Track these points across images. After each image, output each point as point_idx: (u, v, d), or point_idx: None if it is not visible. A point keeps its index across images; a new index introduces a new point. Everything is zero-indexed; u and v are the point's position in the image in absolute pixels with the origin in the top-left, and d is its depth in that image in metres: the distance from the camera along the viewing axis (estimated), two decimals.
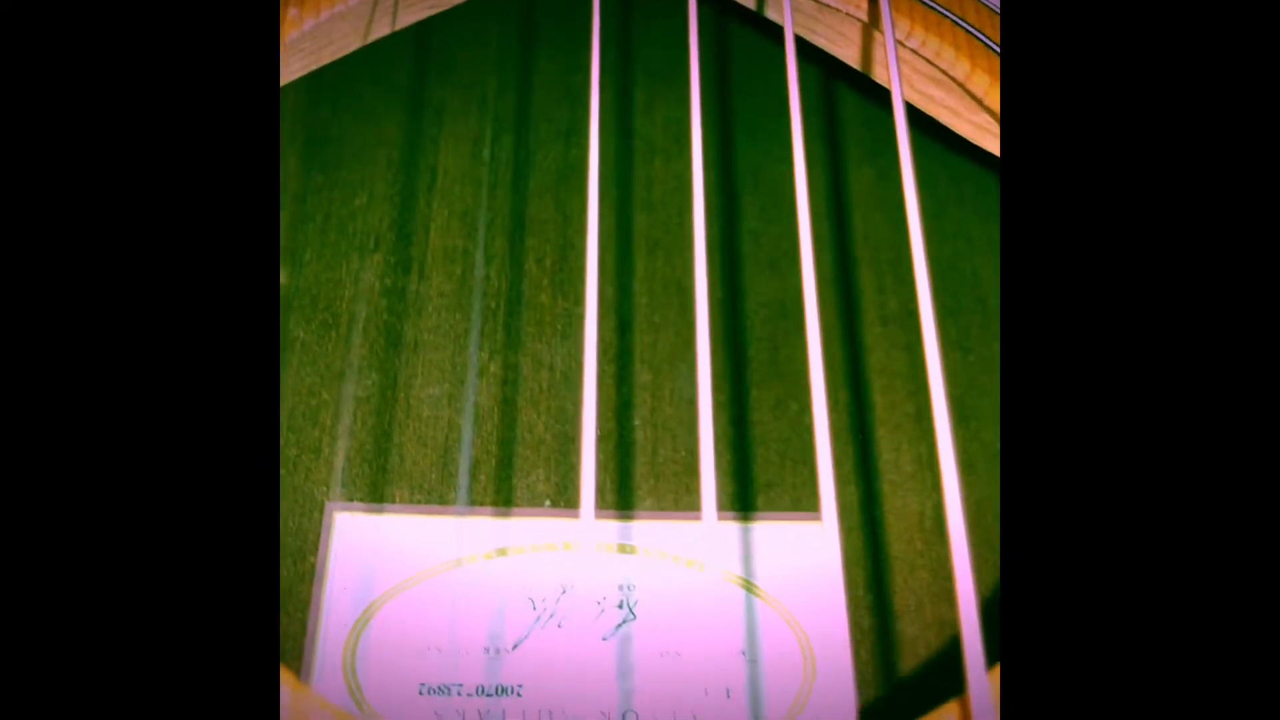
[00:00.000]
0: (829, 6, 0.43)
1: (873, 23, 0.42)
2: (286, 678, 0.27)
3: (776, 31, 0.38)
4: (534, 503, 0.37)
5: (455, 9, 0.47)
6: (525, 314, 0.42)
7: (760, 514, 0.37)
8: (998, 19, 0.41)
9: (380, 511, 0.36)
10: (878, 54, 0.42)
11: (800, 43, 0.43)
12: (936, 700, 0.27)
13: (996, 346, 0.42)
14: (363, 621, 0.34)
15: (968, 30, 0.41)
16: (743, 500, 0.38)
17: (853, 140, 0.47)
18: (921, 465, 0.39)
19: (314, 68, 0.43)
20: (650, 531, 0.36)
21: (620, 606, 0.35)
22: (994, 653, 0.27)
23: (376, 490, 0.37)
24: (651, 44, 0.50)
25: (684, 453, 0.38)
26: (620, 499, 0.38)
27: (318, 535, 0.35)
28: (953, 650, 0.32)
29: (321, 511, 0.36)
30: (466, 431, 0.39)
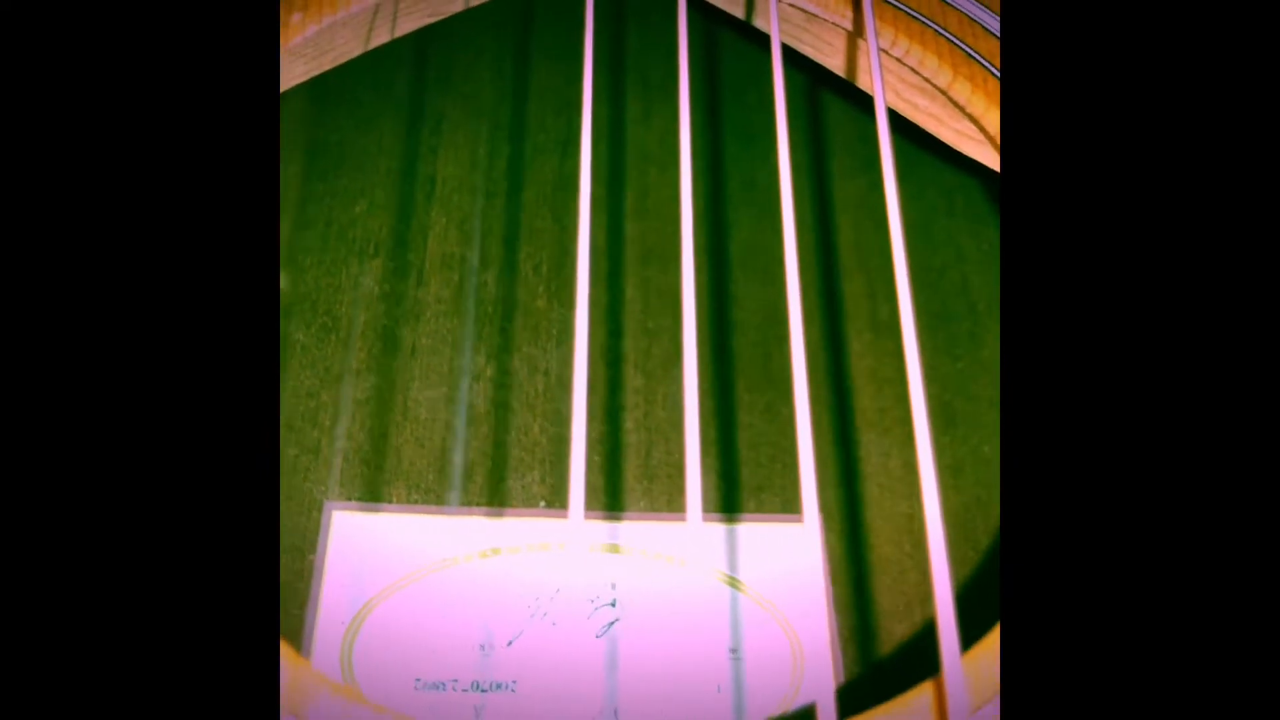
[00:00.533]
0: (816, 16, 0.44)
1: (857, 31, 0.43)
2: (286, 654, 0.28)
3: (767, 41, 0.39)
4: (528, 504, 0.38)
5: (453, 18, 0.48)
6: (521, 320, 0.43)
7: (748, 515, 0.38)
8: (979, 28, 0.42)
9: (377, 511, 0.37)
10: (863, 62, 0.43)
11: (790, 52, 0.44)
12: (912, 681, 0.28)
13: (985, 353, 0.43)
14: (360, 618, 0.35)
15: (950, 39, 0.41)
16: (732, 502, 0.39)
17: (844, 149, 0.48)
18: (910, 469, 0.39)
19: (316, 73, 0.44)
20: (640, 532, 0.37)
21: (612, 605, 0.35)
22: (968, 637, 0.28)
23: (374, 490, 0.38)
24: (645, 54, 0.51)
25: (676, 455, 0.39)
26: (612, 501, 0.38)
27: (316, 533, 0.36)
28: (928, 634, 0.32)
29: (320, 510, 0.37)
30: (462, 433, 0.39)
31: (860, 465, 0.40)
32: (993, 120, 0.40)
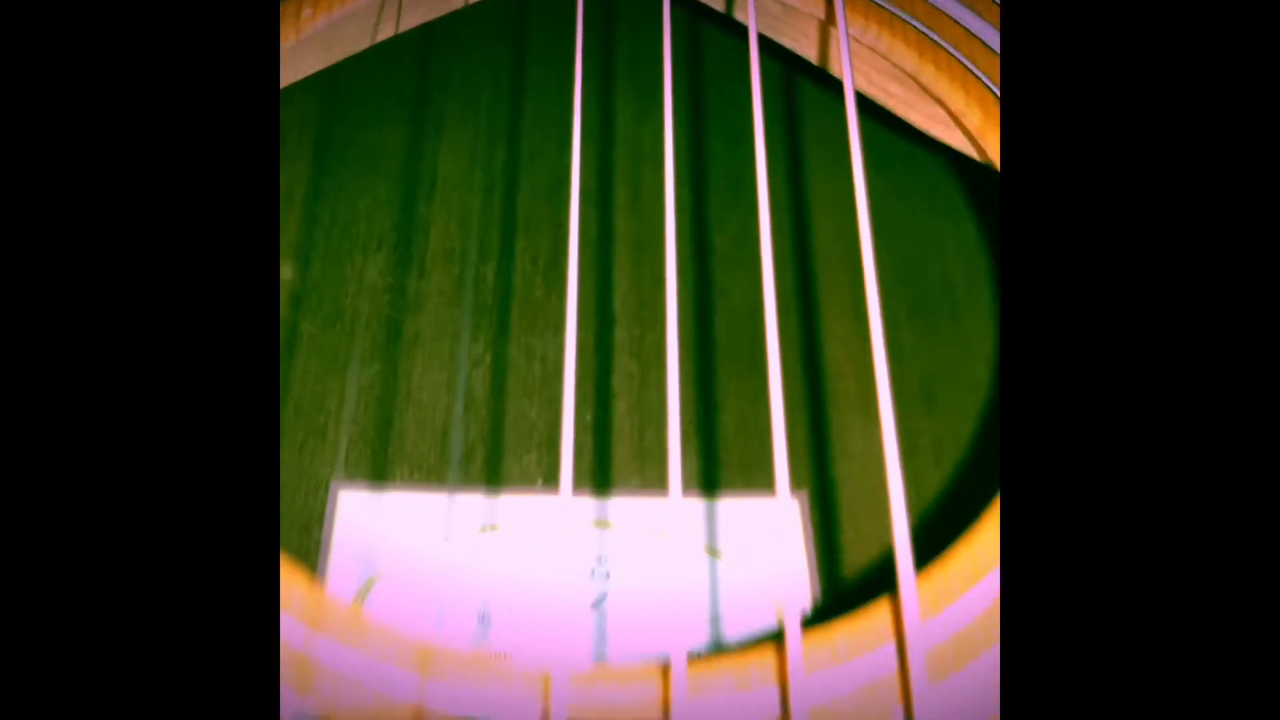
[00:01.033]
0: (791, 7, 0.45)
1: (829, 20, 0.45)
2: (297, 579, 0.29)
3: (747, 33, 0.41)
4: (525, 483, 0.40)
5: (452, 15, 0.49)
6: (519, 310, 0.45)
7: (733, 491, 0.40)
8: (945, 18, 0.44)
9: (381, 490, 0.39)
10: (835, 51, 0.45)
11: (770, 44, 0.46)
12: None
13: (964, 340, 0.45)
14: (365, 590, 0.37)
15: (916, 27, 0.43)
16: (718, 479, 0.40)
17: (821, 137, 0.50)
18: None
19: (324, 66, 0.46)
20: (631, 507, 0.39)
21: (603, 577, 0.37)
22: (921, 560, 0.30)
23: (378, 470, 0.40)
24: (636, 52, 0.53)
25: (665, 437, 0.41)
26: (605, 480, 0.40)
27: (323, 512, 0.38)
28: (887, 560, 0.34)
29: (327, 490, 0.39)
30: (461, 417, 0.41)
31: (842, 444, 0.42)
32: (957, 101, 0.42)
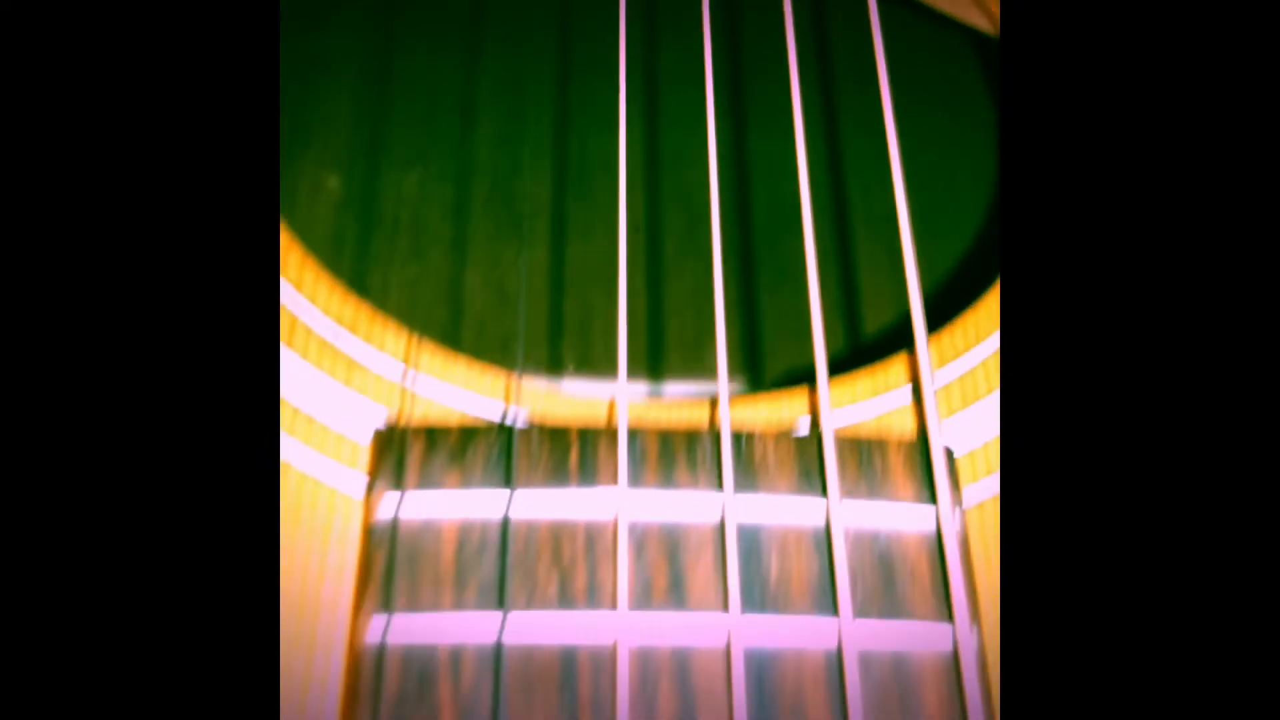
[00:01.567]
0: None
1: None
2: None
3: None
4: (575, 369, 0.44)
5: None
6: (570, 214, 0.49)
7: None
8: None
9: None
10: None
11: None
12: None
13: (973, 230, 0.49)
14: None
15: None
16: (753, 364, 0.44)
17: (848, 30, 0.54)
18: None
19: None
20: (672, 390, 0.43)
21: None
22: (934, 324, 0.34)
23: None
24: None
25: (707, 325, 0.43)
26: (654, 364, 0.44)
27: None
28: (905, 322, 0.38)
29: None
30: (510, 308, 0.45)
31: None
32: None
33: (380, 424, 0.35)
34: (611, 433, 0.34)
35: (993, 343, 0.38)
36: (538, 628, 0.31)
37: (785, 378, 0.40)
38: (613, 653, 0.30)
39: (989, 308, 0.39)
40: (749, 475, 0.33)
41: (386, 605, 0.31)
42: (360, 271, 0.43)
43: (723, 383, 0.35)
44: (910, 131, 0.41)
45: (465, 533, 0.32)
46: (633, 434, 0.34)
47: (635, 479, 0.33)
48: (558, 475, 0.33)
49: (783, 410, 0.36)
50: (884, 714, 0.30)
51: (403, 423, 0.34)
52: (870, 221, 0.45)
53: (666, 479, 0.33)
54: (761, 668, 0.30)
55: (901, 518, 0.33)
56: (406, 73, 0.50)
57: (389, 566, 0.32)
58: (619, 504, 0.32)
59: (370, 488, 0.33)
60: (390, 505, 0.33)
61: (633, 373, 0.38)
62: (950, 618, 0.32)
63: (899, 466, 0.34)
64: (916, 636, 0.31)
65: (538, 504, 0.33)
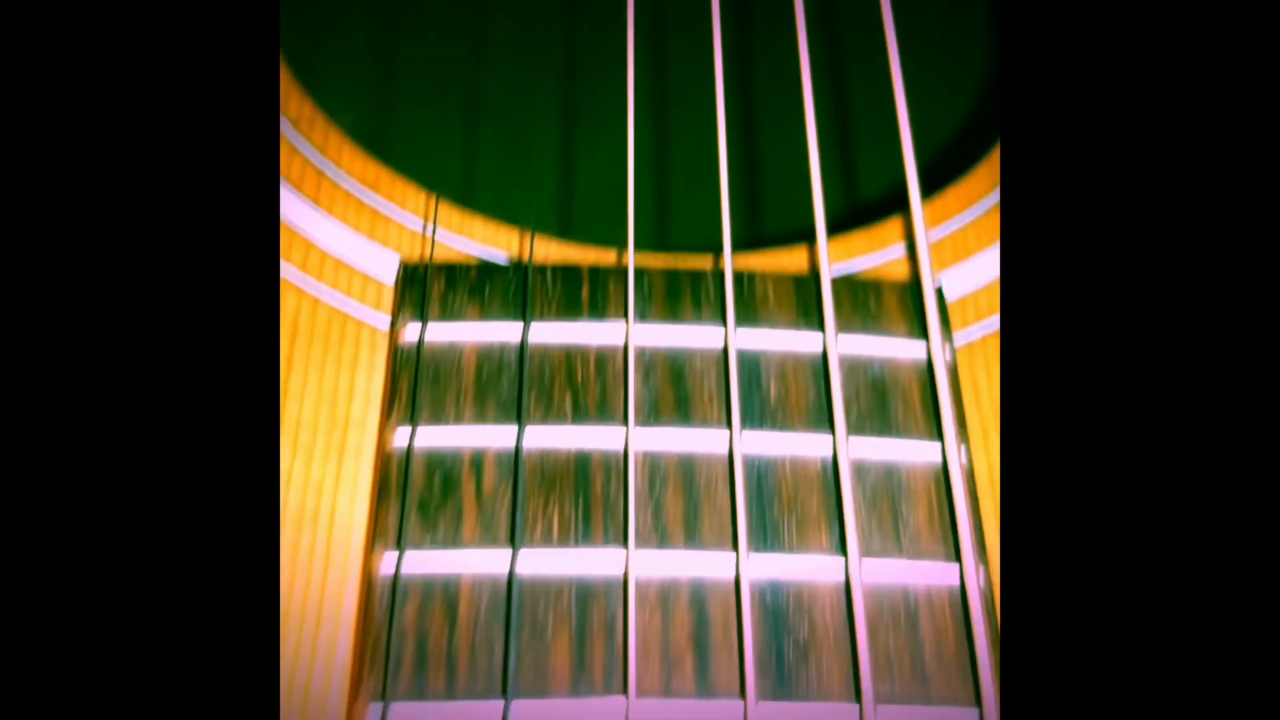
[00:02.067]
0: None
1: None
2: None
3: None
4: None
5: None
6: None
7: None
8: None
9: None
10: None
11: None
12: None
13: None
14: None
15: None
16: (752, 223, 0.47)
17: None
18: None
19: None
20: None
21: None
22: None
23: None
24: None
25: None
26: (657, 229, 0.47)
27: None
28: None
29: None
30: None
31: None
32: None
33: (403, 263, 0.37)
34: (621, 271, 0.36)
35: (986, 203, 0.40)
36: (554, 436, 0.33)
37: (786, 235, 0.42)
38: (623, 457, 0.32)
39: (986, 173, 0.41)
40: (750, 311, 0.36)
41: (412, 418, 0.33)
42: (380, 134, 0.45)
43: (725, 226, 0.37)
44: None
45: (484, 356, 0.34)
46: (640, 273, 0.36)
47: (642, 314, 0.35)
48: (570, 310, 0.35)
49: (782, 261, 0.38)
50: (876, 514, 0.32)
51: (424, 261, 0.37)
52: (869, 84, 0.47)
53: (672, 314, 0.35)
54: (761, 474, 0.33)
55: (895, 349, 0.35)
56: None
57: (414, 385, 0.34)
58: (628, 328, 0.35)
59: (395, 319, 0.35)
60: (414, 333, 0.35)
61: (639, 233, 0.40)
62: (940, 437, 0.34)
63: (893, 306, 0.36)
64: (909, 451, 0.34)
65: (552, 333, 0.35)
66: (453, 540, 0.31)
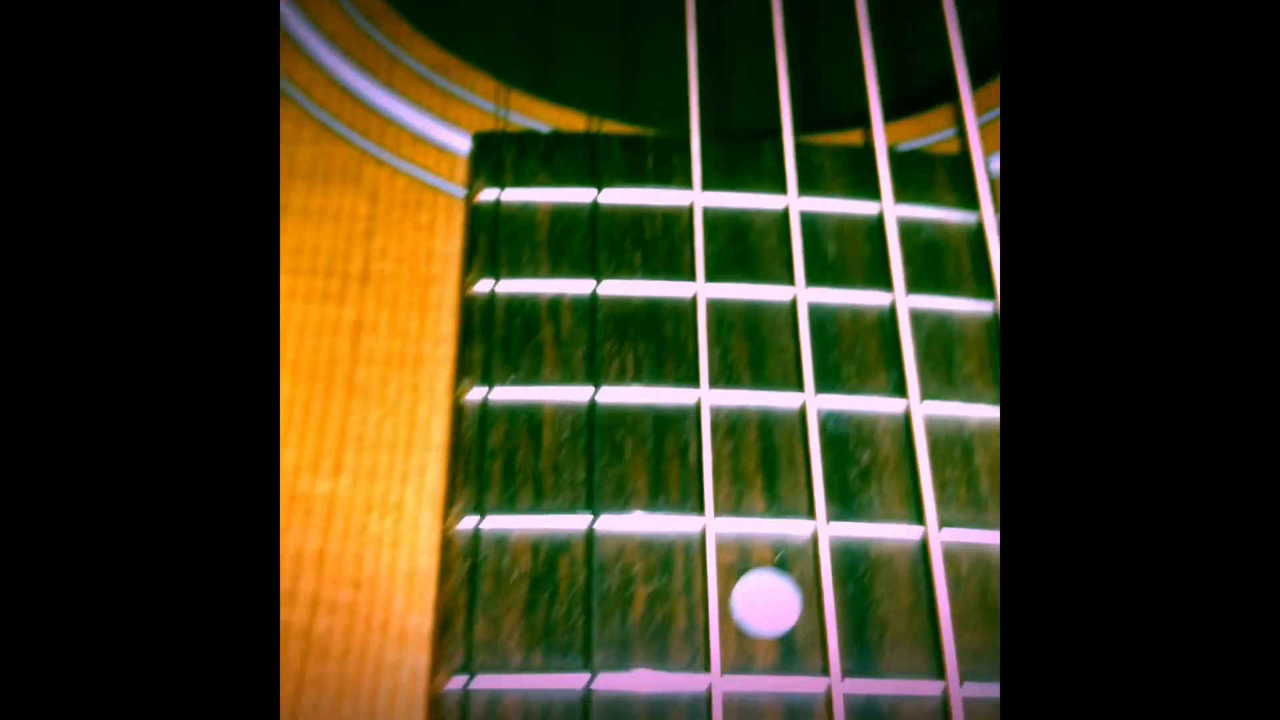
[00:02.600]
0: None
1: None
2: None
3: None
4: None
5: None
6: None
7: None
8: None
9: None
10: None
11: None
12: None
13: None
14: None
15: None
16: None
17: None
18: None
19: None
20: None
21: None
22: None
23: None
24: None
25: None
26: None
27: None
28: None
29: None
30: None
31: None
32: None
33: (476, 135, 0.39)
34: (684, 142, 0.38)
35: None
36: (625, 288, 0.35)
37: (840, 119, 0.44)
38: (693, 304, 0.34)
39: None
40: (809, 179, 0.37)
41: (493, 272, 0.35)
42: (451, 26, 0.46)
43: (784, 104, 0.39)
44: None
45: (557, 216, 0.36)
46: (704, 144, 0.38)
47: (707, 182, 0.37)
48: (637, 177, 0.37)
49: (838, 140, 0.40)
50: (931, 360, 0.34)
51: (499, 127, 0.39)
52: None
53: (734, 183, 0.37)
54: (823, 322, 0.35)
55: (946, 216, 0.37)
56: None
57: (491, 243, 0.36)
58: (695, 191, 0.37)
59: (471, 186, 0.37)
60: (489, 196, 0.37)
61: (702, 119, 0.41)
62: (992, 295, 0.36)
63: (943, 178, 0.38)
64: (960, 307, 0.35)
65: (620, 196, 0.37)
66: (534, 377, 0.33)
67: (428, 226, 0.37)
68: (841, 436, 0.33)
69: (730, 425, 0.32)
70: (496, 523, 0.31)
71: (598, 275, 0.35)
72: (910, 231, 0.37)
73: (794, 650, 0.29)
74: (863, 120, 0.40)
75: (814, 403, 0.33)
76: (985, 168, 0.38)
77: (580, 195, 0.37)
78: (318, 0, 0.43)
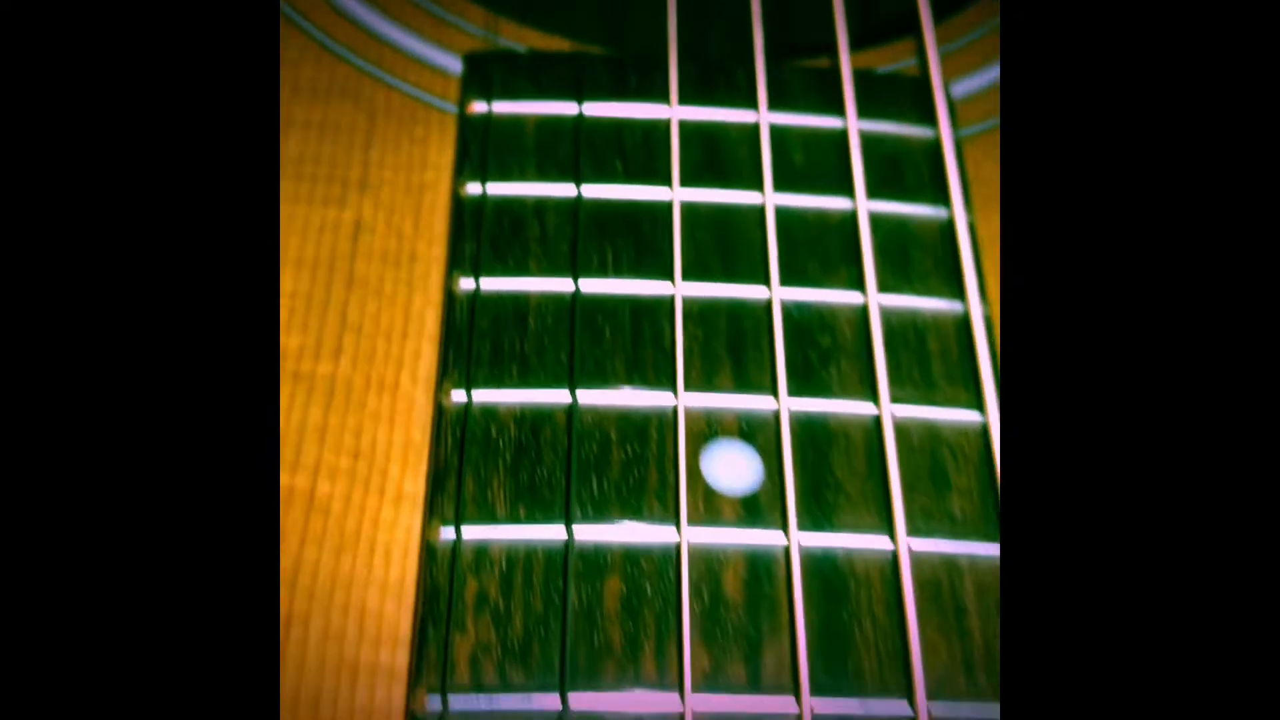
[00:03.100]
0: None
1: None
2: None
3: None
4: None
5: None
6: None
7: None
8: None
9: None
10: None
11: None
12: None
13: None
14: None
15: None
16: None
17: None
18: None
19: None
20: None
21: None
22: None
23: None
24: None
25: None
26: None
27: None
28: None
29: None
30: None
31: None
32: None
33: (466, 56, 0.41)
34: (662, 60, 0.40)
35: (987, 27, 0.44)
36: (607, 190, 0.37)
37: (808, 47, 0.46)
38: (669, 207, 0.37)
39: (987, 5, 0.45)
40: (779, 97, 0.40)
41: (483, 177, 0.37)
42: None
43: (757, 36, 0.41)
44: None
45: (542, 127, 0.39)
46: (680, 63, 0.40)
47: (683, 97, 0.40)
48: (618, 92, 0.40)
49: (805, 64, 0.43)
50: (889, 258, 0.37)
51: (487, 46, 0.41)
52: None
53: (709, 99, 0.40)
54: (789, 223, 0.37)
55: (907, 131, 0.40)
56: None
57: (481, 151, 0.38)
58: (672, 109, 0.39)
59: (462, 100, 0.40)
60: (479, 109, 0.39)
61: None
62: (948, 203, 0.38)
63: (906, 98, 0.41)
64: (916, 211, 0.38)
65: (603, 109, 0.39)
66: (520, 270, 0.36)
67: (422, 139, 0.40)
68: (804, 324, 0.35)
69: (701, 313, 0.35)
70: (485, 396, 0.33)
71: (580, 180, 0.37)
72: (872, 143, 0.39)
73: (757, 508, 0.32)
74: (831, 49, 0.42)
75: (779, 294, 0.35)
76: (944, 88, 0.41)
77: (565, 108, 0.39)
78: None
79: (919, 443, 0.34)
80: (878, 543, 0.32)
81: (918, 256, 0.37)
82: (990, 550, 0.32)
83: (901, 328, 0.36)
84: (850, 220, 0.37)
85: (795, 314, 0.35)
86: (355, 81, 0.41)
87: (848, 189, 0.38)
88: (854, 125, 0.39)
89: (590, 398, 0.33)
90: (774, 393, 0.34)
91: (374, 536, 0.32)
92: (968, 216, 0.38)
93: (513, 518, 0.31)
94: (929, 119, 0.40)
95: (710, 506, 0.32)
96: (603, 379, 0.34)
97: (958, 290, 0.36)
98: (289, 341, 0.35)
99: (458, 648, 0.29)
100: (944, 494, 0.33)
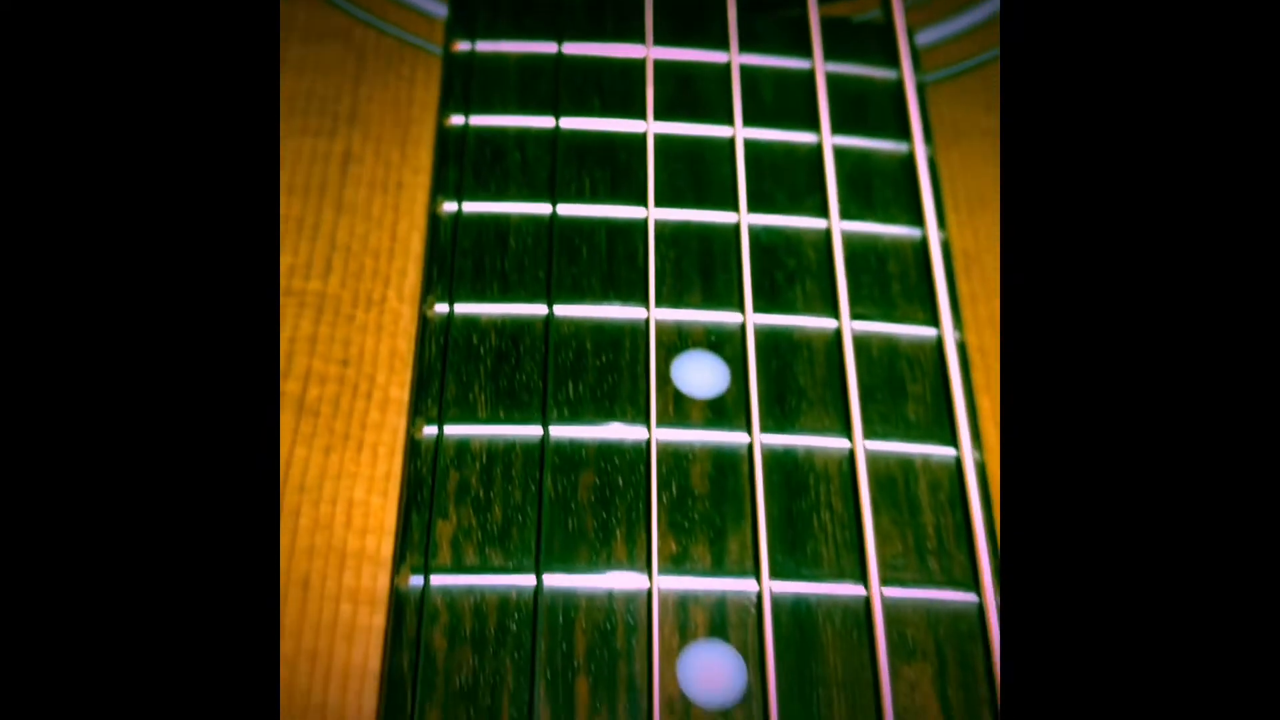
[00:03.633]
0: None
1: None
2: None
3: None
4: None
5: None
6: None
7: None
8: None
9: None
10: None
11: None
12: None
13: None
14: None
15: None
16: None
17: None
18: None
19: None
20: None
21: None
22: None
23: None
24: None
25: None
26: None
27: None
28: None
29: None
30: None
31: None
32: None
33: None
34: (639, 4, 0.42)
35: None
36: (585, 123, 0.39)
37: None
38: (644, 138, 0.39)
39: None
40: (750, 39, 0.42)
41: (466, 109, 0.39)
42: None
43: None
44: None
45: (524, 64, 0.41)
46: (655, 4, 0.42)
47: (658, 37, 0.42)
48: (597, 32, 0.42)
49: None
50: (852, 189, 0.39)
51: None
52: None
53: (683, 40, 0.42)
54: (758, 155, 0.39)
55: (870, 73, 0.42)
56: None
57: (465, 85, 0.40)
58: (648, 49, 0.41)
59: (447, 39, 0.42)
60: (465, 47, 0.41)
61: None
62: (909, 139, 0.40)
63: (869, 44, 0.43)
64: (879, 146, 0.40)
65: (582, 49, 0.41)
66: (501, 195, 0.38)
67: (408, 77, 0.42)
68: (771, 247, 0.37)
69: (674, 235, 0.37)
70: (467, 309, 0.35)
71: (559, 114, 0.39)
72: (838, 83, 0.41)
73: (724, 411, 0.34)
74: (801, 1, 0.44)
75: (747, 219, 0.37)
76: (908, 33, 0.43)
77: (545, 48, 0.41)
78: None
79: (877, 355, 0.36)
80: (836, 443, 0.34)
81: (880, 187, 0.39)
82: (943, 451, 0.34)
83: (863, 251, 0.38)
84: (816, 153, 0.40)
85: (763, 237, 0.37)
86: (346, 25, 0.43)
87: (814, 125, 0.40)
88: (820, 66, 0.41)
89: (567, 311, 0.35)
90: (740, 308, 0.36)
91: (361, 436, 0.34)
92: (928, 150, 0.40)
93: (493, 419, 0.33)
94: (893, 62, 0.42)
95: (680, 410, 0.34)
96: (579, 295, 0.36)
97: (917, 218, 0.39)
98: (282, 260, 0.37)
99: (440, 532, 0.31)
100: (900, 400, 0.35)
